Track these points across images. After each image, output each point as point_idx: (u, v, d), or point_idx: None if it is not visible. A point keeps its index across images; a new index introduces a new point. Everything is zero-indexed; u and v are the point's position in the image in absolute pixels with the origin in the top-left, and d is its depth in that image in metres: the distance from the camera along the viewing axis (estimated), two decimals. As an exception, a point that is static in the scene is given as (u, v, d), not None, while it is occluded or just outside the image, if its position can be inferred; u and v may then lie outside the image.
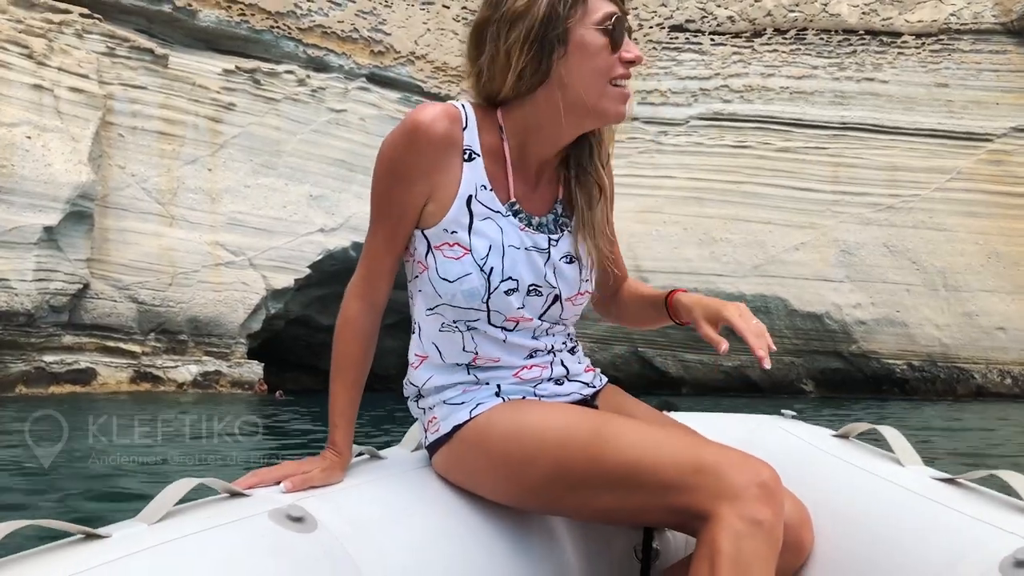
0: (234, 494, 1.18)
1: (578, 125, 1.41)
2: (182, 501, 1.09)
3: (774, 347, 1.37)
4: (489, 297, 1.39)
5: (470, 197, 1.39)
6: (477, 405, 1.42)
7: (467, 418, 1.41)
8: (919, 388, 22.65)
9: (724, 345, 1.37)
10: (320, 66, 22.82)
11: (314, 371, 27.07)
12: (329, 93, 22.68)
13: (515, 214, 1.42)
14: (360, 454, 1.49)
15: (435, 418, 1.45)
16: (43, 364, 17.55)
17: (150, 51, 20.48)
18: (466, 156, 1.40)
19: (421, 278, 1.43)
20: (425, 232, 1.41)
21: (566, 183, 1.48)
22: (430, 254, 1.41)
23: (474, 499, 1.41)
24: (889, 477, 1.43)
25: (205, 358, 19.69)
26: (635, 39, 1.40)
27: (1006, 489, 1.29)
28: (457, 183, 1.39)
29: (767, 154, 24.11)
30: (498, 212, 1.41)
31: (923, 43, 24.63)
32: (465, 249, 1.38)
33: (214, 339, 19.96)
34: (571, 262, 1.46)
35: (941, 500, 1.32)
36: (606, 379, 1.62)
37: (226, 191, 20.87)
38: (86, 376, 17.89)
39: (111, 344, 18.65)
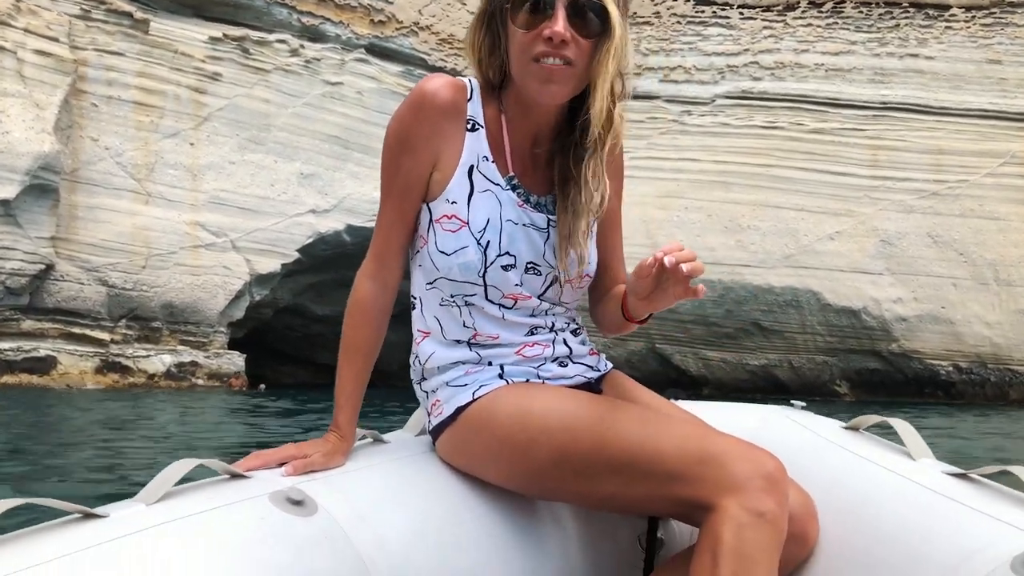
0: (234, 476, 1.17)
1: (536, 104, 1.40)
2: (182, 482, 1.07)
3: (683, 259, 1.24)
4: (486, 271, 1.40)
5: (472, 167, 1.42)
6: (480, 387, 1.42)
7: (470, 400, 1.41)
8: (966, 392, 20.69)
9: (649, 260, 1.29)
10: (315, 35, 21.19)
11: (311, 365, 25.51)
12: (324, 64, 21.04)
13: (513, 188, 1.43)
14: (363, 437, 1.46)
15: (438, 401, 1.45)
16: (-3, 351, 16.02)
17: (129, 15, 18.91)
18: (470, 126, 1.42)
19: (422, 252, 1.45)
20: (429, 205, 1.43)
21: (556, 178, 1.46)
22: (431, 227, 1.42)
23: (477, 484, 1.40)
24: (899, 471, 1.41)
25: (180, 348, 18.09)
26: (586, 12, 1.32)
27: (1019, 485, 1.24)
28: (460, 152, 1.42)
29: (800, 136, 22.41)
30: (498, 185, 1.42)
31: (973, 16, 22.69)
32: (463, 222, 1.40)
33: (191, 327, 18.36)
34: (564, 238, 1.45)
35: (951, 495, 1.29)
36: (611, 364, 1.60)
37: (208, 167, 19.28)
38: (45, 365, 16.32)
39: (76, 331, 17.09)
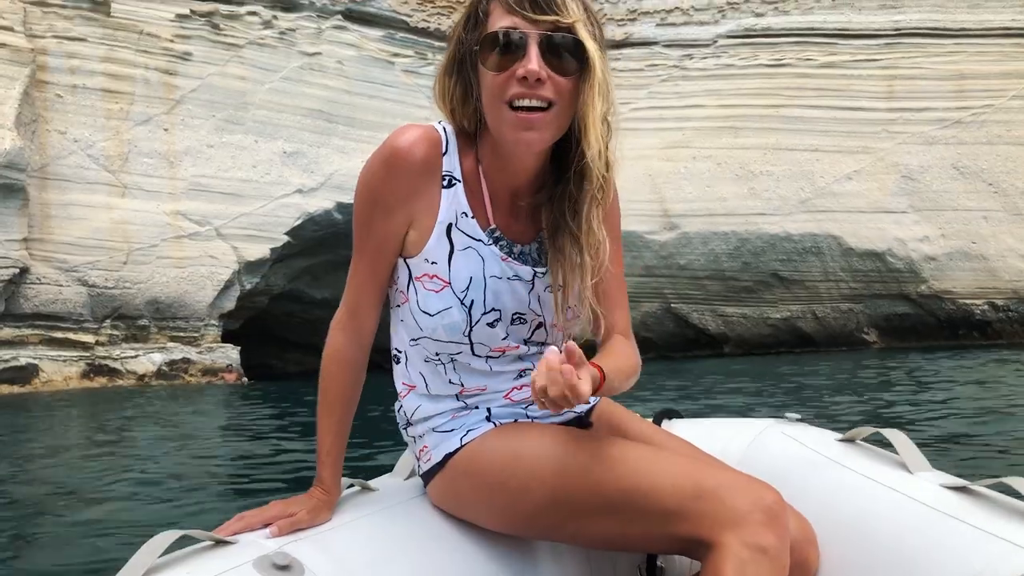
0: (218, 542, 1.16)
1: (514, 153, 1.33)
2: (166, 552, 1.07)
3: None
4: (471, 330, 1.36)
5: (450, 225, 1.36)
6: (468, 432, 1.40)
7: (458, 446, 1.39)
8: (1004, 331, 19.54)
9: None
10: (288, 5, 20.04)
11: (317, 351, 24.59)
12: (300, 35, 19.90)
13: (496, 241, 1.38)
14: (351, 486, 1.46)
15: (426, 447, 1.43)
16: (-27, 363, 15.20)
17: (88, -3, 17.83)
18: (445, 182, 1.37)
19: (403, 308, 1.41)
20: (407, 261, 1.38)
21: (546, 230, 1.39)
22: (411, 285, 1.38)
23: (470, 528, 1.39)
24: (897, 487, 1.39)
25: (171, 345, 17.23)
26: (560, 45, 1.25)
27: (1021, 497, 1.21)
28: (436, 210, 1.36)
29: (809, 71, 21.13)
30: (479, 240, 1.37)
31: (987, -72, 21.10)
32: (444, 282, 1.35)
33: (180, 322, 17.48)
34: (557, 291, 1.39)
35: (952, 512, 1.27)
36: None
37: (186, 153, 18.28)
38: (26, 374, 15.50)
39: (58, 335, 16.25)
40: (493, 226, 1.36)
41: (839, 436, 1.64)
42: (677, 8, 22.28)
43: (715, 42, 21.80)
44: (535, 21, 1.24)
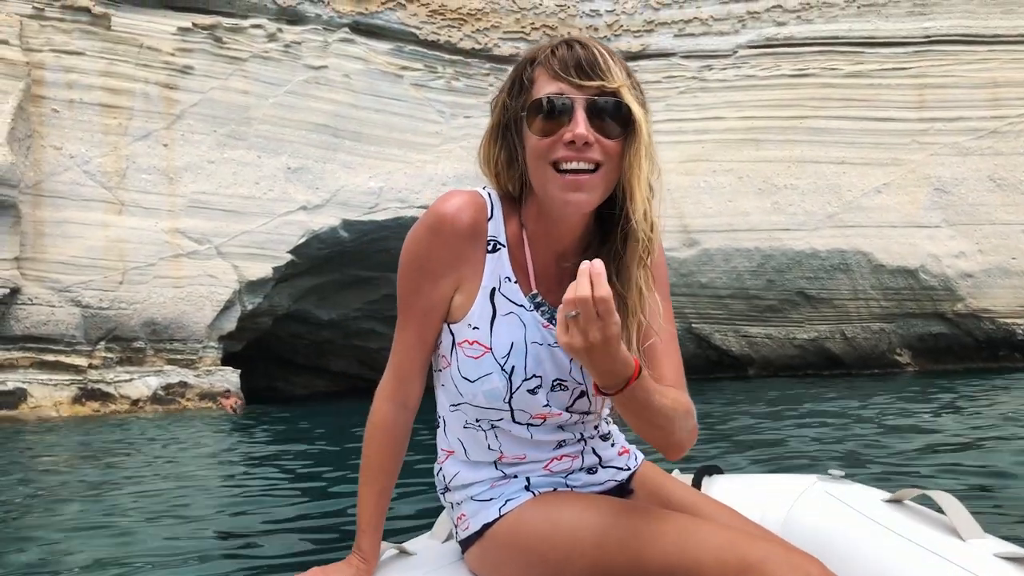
0: None
1: (560, 215, 1.35)
2: None
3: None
4: (512, 397, 1.37)
5: (494, 290, 1.38)
6: (506, 502, 1.39)
7: (496, 516, 1.39)
8: (1048, 352, 18.38)
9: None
10: (293, 17, 19.49)
11: (326, 373, 23.91)
12: (306, 48, 19.32)
13: (537, 307, 1.39)
14: (389, 549, 1.46)
15: (464, 515, 1.43)
16: (-41, 387, 14.54)
17: (87, 10, 17.35)
18: (490, 247, 1.39)
19: (444, 373, 1.43)
20: (451, 326, 1.40)
21: None
22: (454, 350, 1.39)
23: None
24: (949, 556, 1.30)
25: (167, 368, 16.50)
26: (604, 108, 1.29)
27: None
28: (480, 275, 1.38)
29: (834, 81, 20.30)
30: (521, 306, 1.38)
31: (1020, -70, 20.21)
32: (485, 348, 1.36)
33: (177, 344, 16.76)
34: None
35: None
36: (642, 457, 1.58)
37: (186, 169, 17.67)
38: (14, 399, 14.78)
39: (49, 358, 15.57)
40: (535, 292, 1.37)
41: (885, 496, 1.60)
42: (695, 18, 21.55)
43: (735, 52, 21.03)
44: (581, 87, 1.29)
